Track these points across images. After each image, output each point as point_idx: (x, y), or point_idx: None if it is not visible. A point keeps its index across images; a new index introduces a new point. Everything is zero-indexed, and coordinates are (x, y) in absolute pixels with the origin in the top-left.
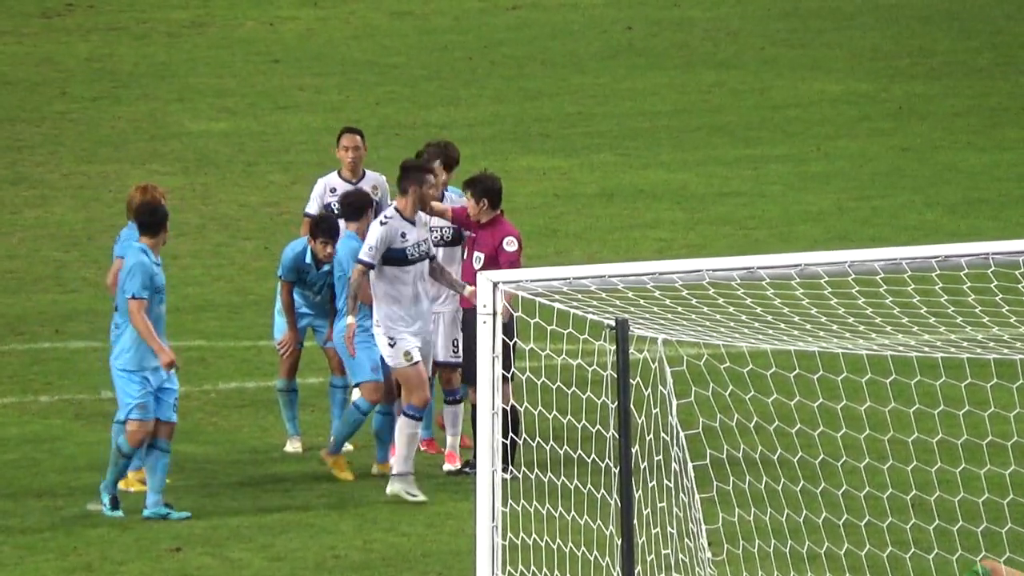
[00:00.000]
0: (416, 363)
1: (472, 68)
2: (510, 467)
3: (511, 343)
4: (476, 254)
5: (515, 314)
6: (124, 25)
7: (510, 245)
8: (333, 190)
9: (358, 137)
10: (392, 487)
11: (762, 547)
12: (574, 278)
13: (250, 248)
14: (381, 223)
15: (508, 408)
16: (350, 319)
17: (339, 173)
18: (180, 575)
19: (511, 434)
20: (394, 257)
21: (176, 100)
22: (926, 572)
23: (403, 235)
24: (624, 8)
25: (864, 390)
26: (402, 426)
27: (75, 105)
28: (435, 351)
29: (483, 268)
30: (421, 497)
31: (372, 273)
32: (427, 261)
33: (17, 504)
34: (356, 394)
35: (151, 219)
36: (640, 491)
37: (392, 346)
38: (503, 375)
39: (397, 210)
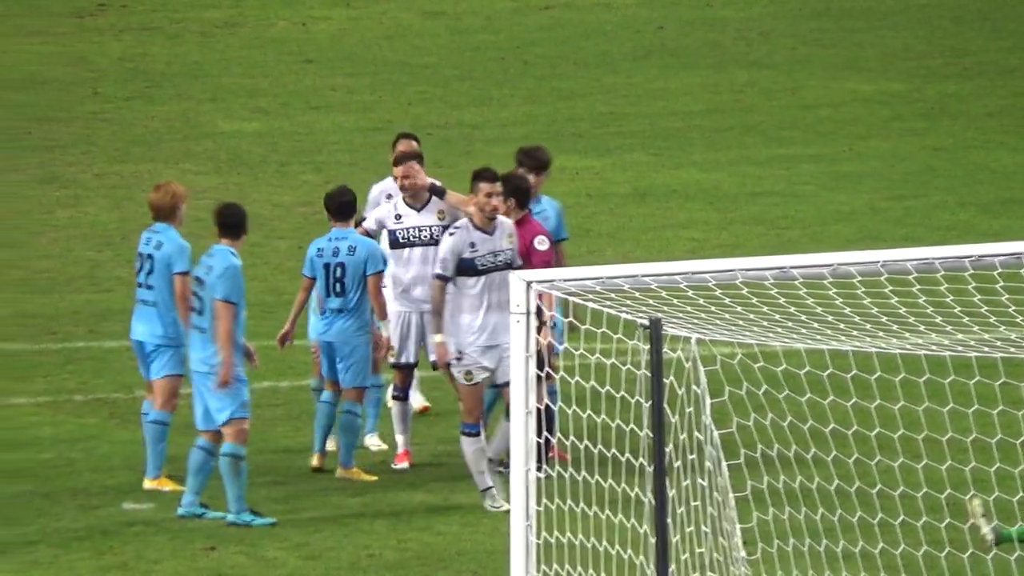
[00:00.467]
0: (476, 384)
1: (504, 68)
2: (544, 466)
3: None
4: None
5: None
6: (157, 25)
7: (541, 244)
8: (389, 196)
9: (414, 143)
10: (483, 503)
11: (796, 546)
12: (607, 277)
13: (284, 248)
14: (449, 234)
15: (542, 408)
16: (439, 338)
17: (395, 179)
18: (215, 574)
19: (545, 433)
20: (464, 267)
21: (209, 100)
22: (961, 571)
23: (472, 245)
24: (656, 8)
25: (898, 389)
26: (464, 446)
27: (108, 105)
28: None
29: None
30: (506, 506)
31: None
32: (508, 271)
33: (52, 503)
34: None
35: (232, 219)
36: (674, 490)
37: (459, 359)
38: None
39: (470, 219)
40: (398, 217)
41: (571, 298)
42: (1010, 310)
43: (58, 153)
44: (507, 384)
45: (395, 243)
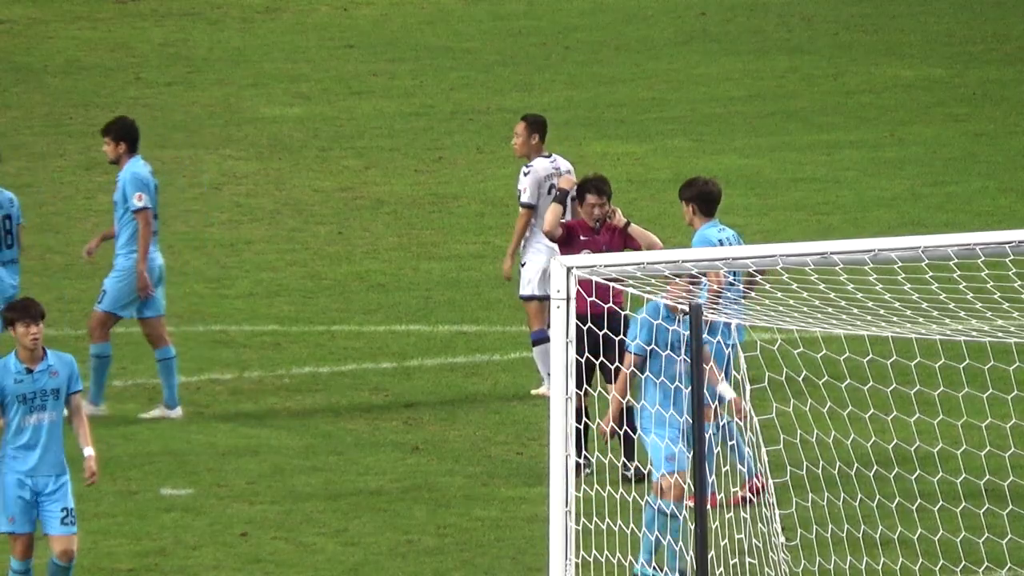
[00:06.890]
0: None
1: (546, 53)
2: (584, 452)
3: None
4: None
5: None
6: (198, 10)
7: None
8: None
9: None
10: None
11: (835, 532)
12: (648, 263)
13: (324, 233)
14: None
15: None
16: None
17: None
18: (253, 560)
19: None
20: None
21: (250, 85)
22: (999, 557)
23: None
24: None
25: (938, 375)
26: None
27: (149, 90)
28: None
29: None
30: None
31: None
32: None
33: (91, 489)
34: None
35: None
36: (714, 476)
37: None
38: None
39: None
40: None
41: (624, 287)
42: None
43: (99, 139)
44: None
45: None
